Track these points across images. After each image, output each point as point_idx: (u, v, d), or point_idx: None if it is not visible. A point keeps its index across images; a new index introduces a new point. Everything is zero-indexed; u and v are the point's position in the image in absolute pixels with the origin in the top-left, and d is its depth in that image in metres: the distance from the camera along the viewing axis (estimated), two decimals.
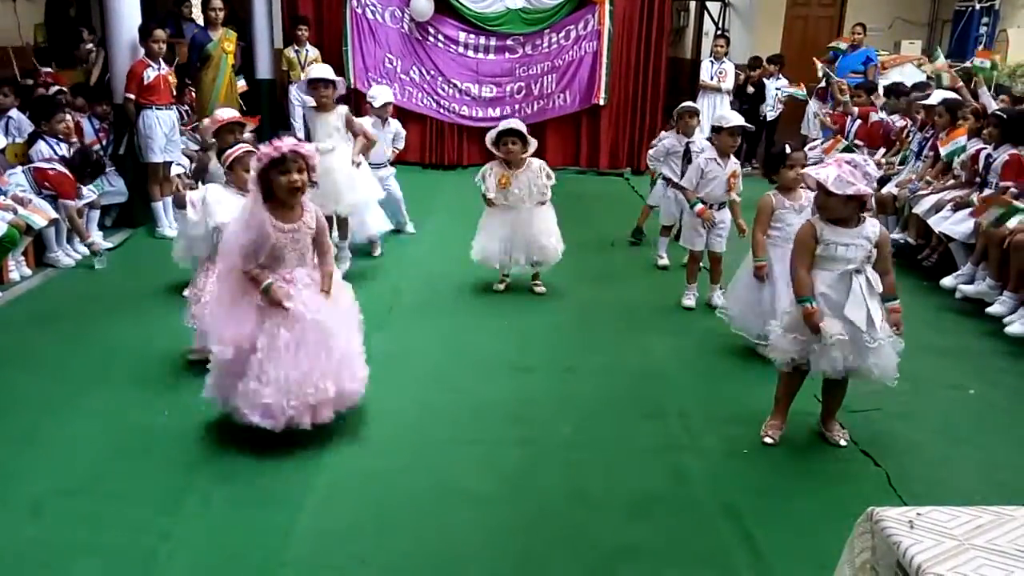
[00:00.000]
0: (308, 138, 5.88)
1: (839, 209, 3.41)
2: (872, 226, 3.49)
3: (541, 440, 3.69)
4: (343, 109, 5.83)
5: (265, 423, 3.34)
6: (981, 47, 10.18)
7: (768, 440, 3.70)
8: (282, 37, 10.09)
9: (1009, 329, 4.94)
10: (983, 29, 10.58)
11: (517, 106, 10.40)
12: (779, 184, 4.44)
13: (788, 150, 4.44)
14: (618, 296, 5.67)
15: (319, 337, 3.41)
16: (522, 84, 10.40)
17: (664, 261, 6.34)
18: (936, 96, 7.23)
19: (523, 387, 4.23)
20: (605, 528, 3.05)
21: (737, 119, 5.35)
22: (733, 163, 5.32)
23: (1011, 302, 5.18)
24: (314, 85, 5.69)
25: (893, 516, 1.70)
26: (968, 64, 8.01)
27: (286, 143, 3.30)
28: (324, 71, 5.86)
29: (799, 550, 2.93)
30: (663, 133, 6.94)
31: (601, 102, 10.37)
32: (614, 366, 4.54)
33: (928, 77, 9.49)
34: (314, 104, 5.75)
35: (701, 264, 5.57)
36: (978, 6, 10.51)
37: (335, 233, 5.70)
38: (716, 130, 5.37)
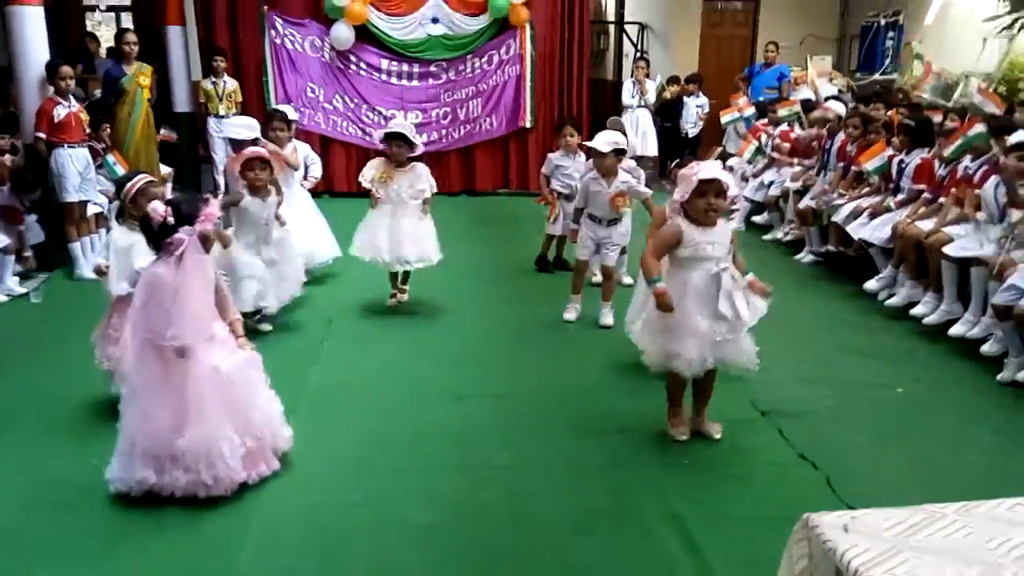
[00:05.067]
0: (225, 183, 5.74)
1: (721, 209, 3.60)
2: (724, 225, 3.67)
3: (481, 465, 3.66)
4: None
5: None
6: (888, 61, 10.65)
7: (681, 437, 3.81)
8: (200, 69, 9.91)
9: (960, 332, 5.05)
10: (889, 43, 11.04)
11: (444, 131, 10.41)
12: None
13: (672, 165, 4.54)
14: (551, 316, 5.68)
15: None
16: (448, 109, 10.41)
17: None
18: (835, 106, 7.51)
19: (461, 413, 4.19)
20: (550, 548, 3.04)
21: (601, 143, 5.21)
22: (620, 183, 5.27)
23: (933, 302, 5.37)
24: (230, 142, 5.61)
25: (828, 522, 1.71)
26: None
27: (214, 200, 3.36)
28: (235, 130, 5.80)
29: (743, 556, 2.95)
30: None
31: (528, 125, 10.45)
32: (551, 386, 4.53)
33: (840, 90, 9.86)
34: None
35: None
36: (883, 21, 10.96)
37: None
38: (594, 152, 5.31)
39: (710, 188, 3.51)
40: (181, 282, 3.19)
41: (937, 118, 6.69)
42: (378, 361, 4.92)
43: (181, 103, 9.81)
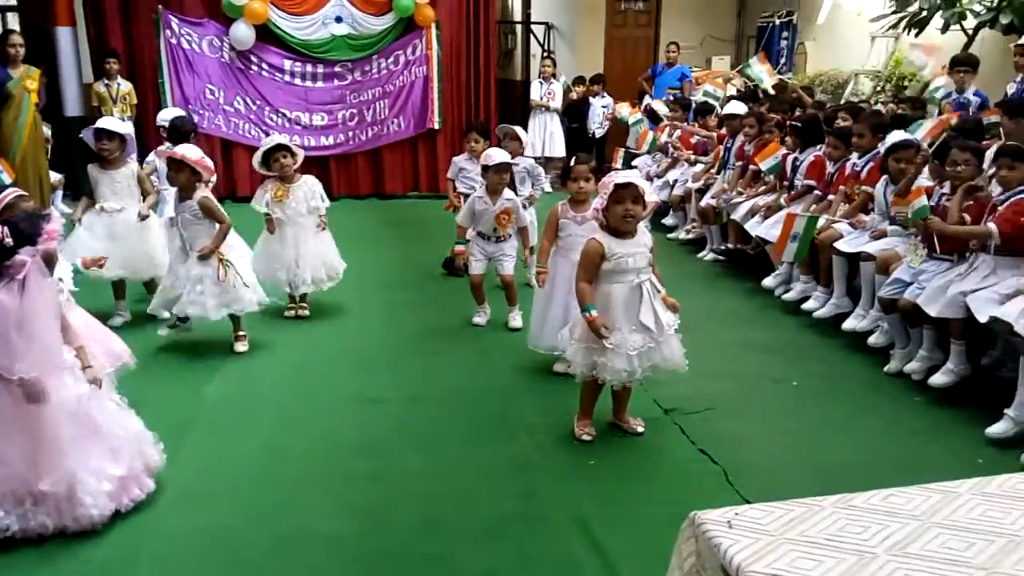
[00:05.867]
0: (91, 195, 5.49)
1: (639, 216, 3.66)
2: (644, 234, 3.75)
3: (391, 472, 3.63)
4: (133, 167, 5.55)
5: None
6: (784, 60, 11.04)
7: (586, 437, 3.89)
8: (92, 71, 9.53)
9: (846, 325, 5.16)
10: (784, 43, 11.45)
11: (351, 133, 10.28)
12: (569, 196, 4.57)
13: (572, 163, 4.59)
14: (460, 319, 5.68)
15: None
16: (354, 111, 10.29)
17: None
18: (734, 107, 7.74)
19: (370, 420, 4.16)
20: (460, 554, 3.04)
21: (500, 156, 5.33)
22: (504, 200, 5.32)
23: (824, 296, 5.59)
24: (97, 137, 5.35)
25: (713, 519, 1.77)
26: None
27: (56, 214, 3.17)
28: (107, 122, 5.53)
29: (646, 554, 3.01)
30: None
31: (436, 126, 10.42)
32: (459, 389, 4.54)
33: (738, 91, 10.15)
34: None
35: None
36: (778, 22, 11.35)
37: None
38: (484, 168, 5.37)
39: (627, 194, 3.57)
40: (28, 309, 2.94)
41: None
42: (282, 369, 4.84)
43: (72, 107, 9.42)
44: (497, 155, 5.36)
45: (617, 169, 9.70)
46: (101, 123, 5.51)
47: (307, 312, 5.72)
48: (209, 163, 4.95)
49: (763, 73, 8.39)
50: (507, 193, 5.36)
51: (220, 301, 4.82)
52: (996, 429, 3.89)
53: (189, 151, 4.84)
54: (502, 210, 5.30)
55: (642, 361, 3.68)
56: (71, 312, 3.45)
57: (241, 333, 5.07)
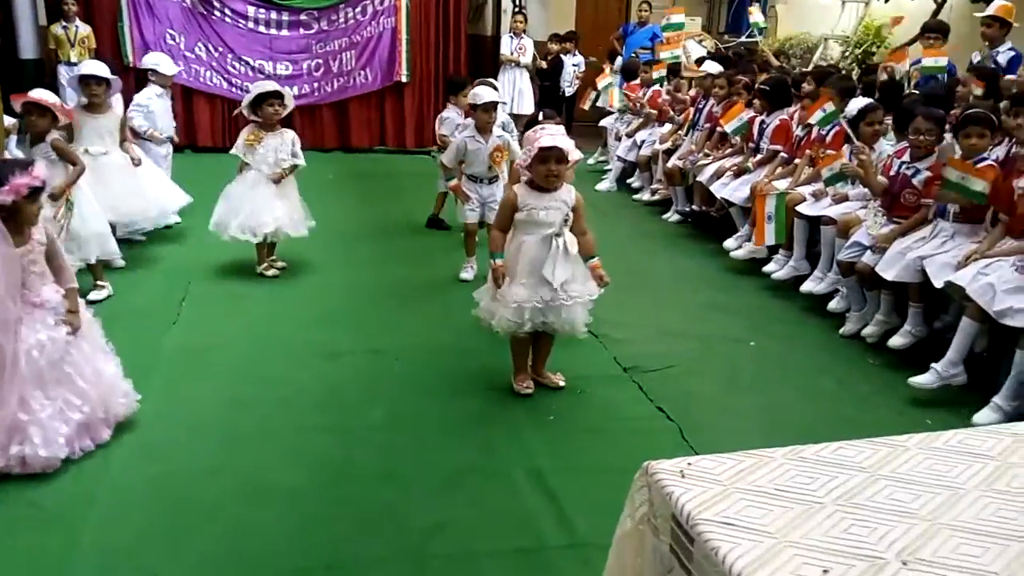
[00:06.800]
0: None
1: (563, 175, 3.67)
2: (568, 191, 3.74)
3: (351, 425, 3.63)
4: (119, 111, 5.58)
5: None
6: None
7: (527, 390, 3.92)
8: (46, 13, 9.20)
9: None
10: (755, 5, 11.37)
11: (316, 84, 10.08)
12: None
13: (541, 117, 4.56)
14: (427, 275, 5.66)
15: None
16: (320, 61, 10.08)
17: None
18: (708, 66, 7.72)
19: (332, 373, 4.14)
20: (417, 507, 3.05)
21: (489, 95, 5.33)
22: (496, 138, 5.35)
23: (783, 259, 5.64)
24: (84, 82, 5.36)
25: (666, 468, 1.79)
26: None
27: (39, 169, 3.09)
28: (96, 67, 5.45)
29: (601, 507, 3.00)
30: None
31: (403, 79, 10.25)
32: (424, 345, 4.52)
33: (709, 52, 10.12)
34: (84, 103, 5.40)
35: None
36: None
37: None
38: (472, 107, 5.38)
39: (551, 155, 3.57)
40: None
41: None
42: (242, 322, 4.78)
43: (27, 49, 9.08)
44: (486, 93, 5.33)
45: (584, 109, 9.77)
46: (89, 68, 5.45)
47: (283, 264, 5.61)
48: (67, 108, 4.95)
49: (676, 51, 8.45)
50: (496, 131, 5.37)
51: (76, 253, 4.68)
52: (921, 379, 3.99)
53: (47, 95, 4.81)
54: (495, 147, 5.30)
55: (533, 315, 3.69)
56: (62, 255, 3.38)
57: (100, 283, 4.94)
